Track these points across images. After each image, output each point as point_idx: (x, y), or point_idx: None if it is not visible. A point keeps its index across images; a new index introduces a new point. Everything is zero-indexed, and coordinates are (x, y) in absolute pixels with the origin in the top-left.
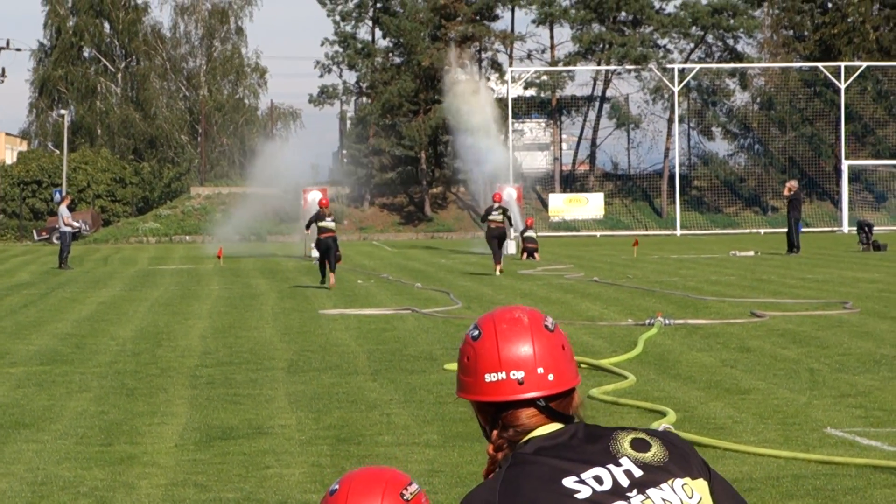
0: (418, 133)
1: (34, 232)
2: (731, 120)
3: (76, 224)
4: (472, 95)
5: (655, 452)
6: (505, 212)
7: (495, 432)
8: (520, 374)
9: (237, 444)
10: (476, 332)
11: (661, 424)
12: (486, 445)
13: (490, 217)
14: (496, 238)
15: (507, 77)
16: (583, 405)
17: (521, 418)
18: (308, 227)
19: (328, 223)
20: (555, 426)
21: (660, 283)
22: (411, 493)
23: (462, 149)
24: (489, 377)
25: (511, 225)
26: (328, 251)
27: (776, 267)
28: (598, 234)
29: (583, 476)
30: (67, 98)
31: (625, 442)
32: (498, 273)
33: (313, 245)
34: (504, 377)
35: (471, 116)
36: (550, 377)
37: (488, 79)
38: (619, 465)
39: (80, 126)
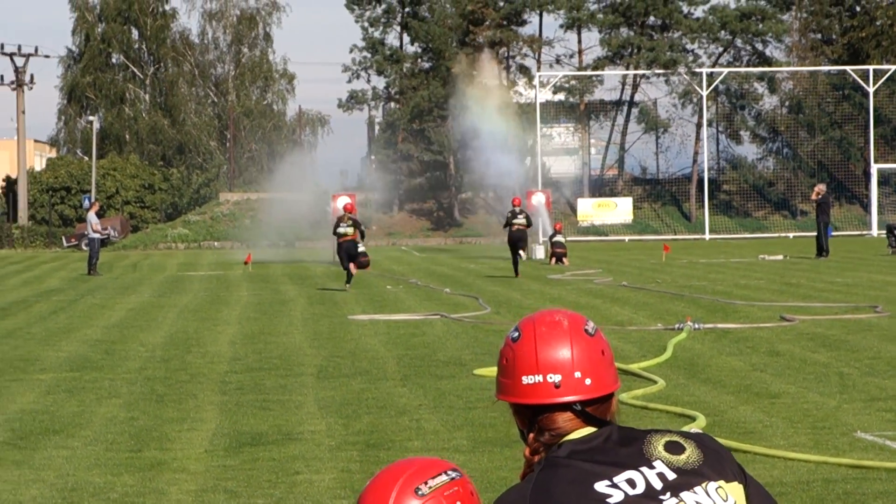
0: (447, 138)
1: (63, 238)
2: (760, 124)
3: (105, 231)
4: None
5: (689, 455)
6: (526, 215)
7: (531, 435)
8: (557, 378)
9: (267, 449)
10: (516, 334)
11: (690, 429)
12: (517, 450)
13: (514, 221)
14: (519, 241)
15: (536, 82)
16: (618, 410)
17: (558, 422)
18: (334, 232)
19: (343, 229)
20: (589, 430)
21: (689, 287)
22: (430, 488)
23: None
24: (526, 379)
25: (530, 225)
26: (348, 256)
27: (805, 271)
28: (627, 238)
29: (615, 480)
30: (96, 104)
31: (658, 445)
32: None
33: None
34: (541, 380)
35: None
36: (588, 382)
37: (516, 83)
38: (652, 468)
39: (108, 133)
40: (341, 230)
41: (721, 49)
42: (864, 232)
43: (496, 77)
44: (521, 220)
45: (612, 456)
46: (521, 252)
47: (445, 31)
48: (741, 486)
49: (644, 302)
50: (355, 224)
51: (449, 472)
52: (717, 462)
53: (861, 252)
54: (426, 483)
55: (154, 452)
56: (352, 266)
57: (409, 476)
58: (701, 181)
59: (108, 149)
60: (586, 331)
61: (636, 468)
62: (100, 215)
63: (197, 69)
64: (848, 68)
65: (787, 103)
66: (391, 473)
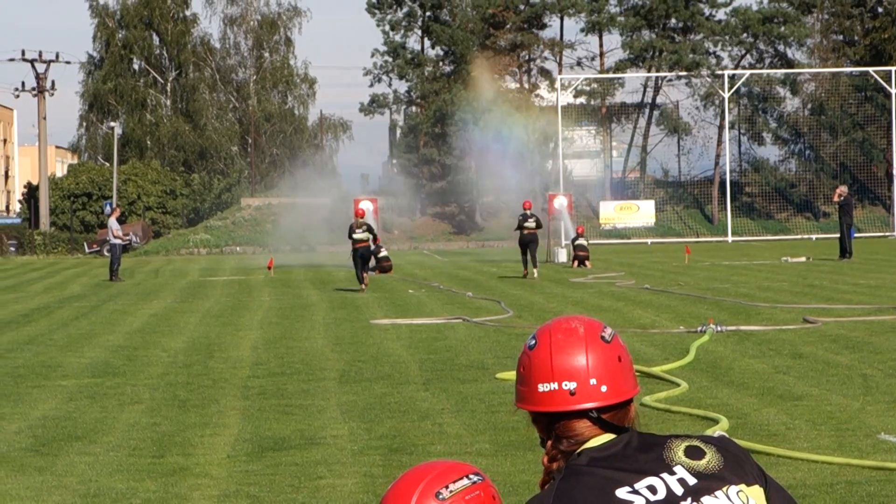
0: (468, 142)
1: (85, 244)
2: (782, 126)
3: (126, 236)
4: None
5: (710, 460)
6: (536, 219)
7: (549, 443)
8: (572, 385)
9: (289, 454)
10: (533, 342)
11: (715, 432)
12: (539, 455)
13: (525, 225)
14: (530, 243)
15: (557, 85)
16: (638, 415)
17: (575, 429)
18: (350, 237)
19: (359, 234)
20: (608, 437)
21: (711, 289)
22: (451, 492)
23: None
24: (542, 387)
25: (540, 227)
26: (362, 261)
27: (828, 272)
28: (650, 241)
29: (636, 486)
30: (117, 110)
31: (679, 450)
32: (535, 276)
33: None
34: (556, 387)
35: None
36: (604, 388)
37: (537, 87)
38: (673, 473)
39: (129, 138)
40: (357, 236)
41: (743, 51)
42: (888, 233)
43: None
44: (531, 223)
45: (633, 462)
46: (533, 264)
47: (467, 34)
48: (762, 490)
49: (666, 305)
50: (370, 229)
51: (471, 476)
52: (737, 466)
53: (884, 253)
54: (447, 487)
55: (176, 458)
56: (365, 276)
57: (431, 480)
58: (723, 183)
59: (130, 155)
60: (602, 337)
61: (657, 474)
62: (121, 221)
63: (218, 74)
64: (870, 69)
65: (809, 105)
66: (412, 477)
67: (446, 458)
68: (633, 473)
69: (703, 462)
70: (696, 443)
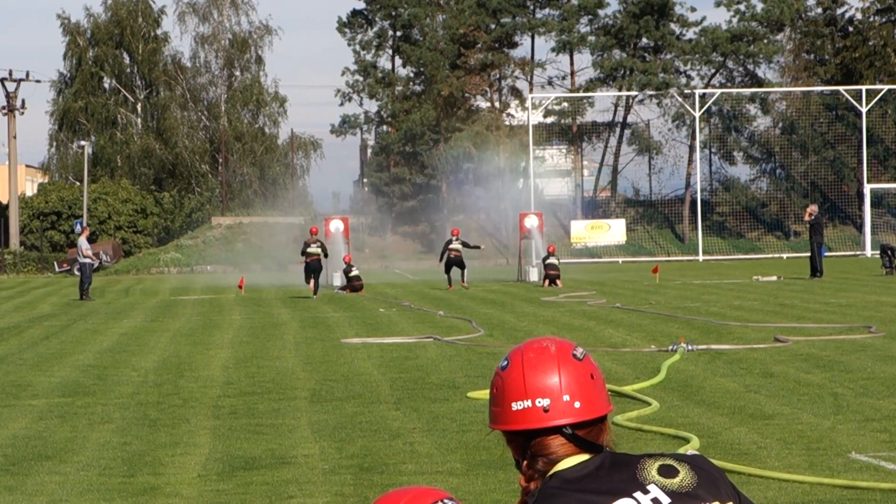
0: (439, 161)
1: (55, 264)
2: (753, 145)
3: (96, 255)
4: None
5: (683, 478)
6: (462, 241)
7: (525, 463)
8: (545, 402)
9: (260, 473)
10: (505, 363)
11: (686, 451)
12: (512, 472)
13: (450, 247)
14: (455, 265)
15: (528, 104)
16: (612, 434)
17: (550, 447)
18: (303, 253)
19: (313, 249)
20: (583, 457)
21: (682, 308)
22: None
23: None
24: (515, 405)
25: (470, 247)
26: (315, 272)
27: (799, 291)
28: (621, 260)
29: None
30: (88, 129)
31: (652, 469)
32: (463, 287)
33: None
34: (530, 405)
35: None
36: (577, 405)
37: (508, 105)
38: (646, 492)
39: (100, 157)
40: (310, 250)
41: (713, 70)
42: (858, 252)
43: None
44: (454, 245)
45: (606, 483)
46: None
47: (437, 55)
48: None
49: (638, 324)
50: (322, 246)
51: (444, 501)
52: (711, 484)
53: (855, 272)
54: None
55: (147, 477)
56: (313, 286)
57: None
58: (694, 202)
59: (100, 173)
60: (574, 355)
61: (630, 494)
62: (91, 240)
63: (189, 93)
64: (841, 88)
65: (780, 124)
66: (388, 500)
67: (417, 483)
68: (606, 495)
69: (677, 480)
70: (669, 461)
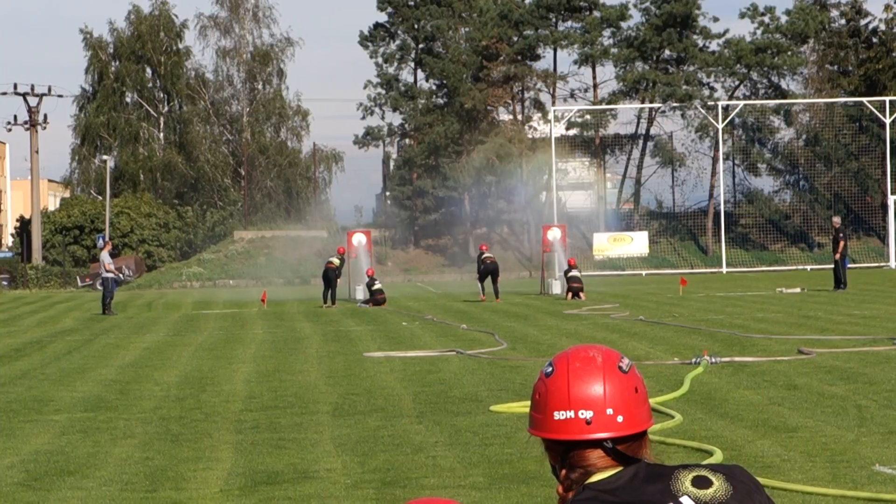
0: (462, 174)
1: (78, 278)
2: (776, 156)
3: (118, 269)
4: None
5: (717, 489)
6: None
7: (563, 472)
8: (588, 414)
9: (282, 488)
10: (549, 369)
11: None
12: (534, 487)
13: (484, 256)
14: (490, 273)
15: (550, 116)
16: (651, 447)
17: (589, 459)
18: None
19: (333, 258)
20: (616, 469)
21: (706, 321)
22: None
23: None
24: (558, 415)
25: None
26: (327, 282)
27: (823, 303)
28: (644, 272)
29: None
30: (110, 143)
31: (686, 480)
32: (497, 301)
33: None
34: (572, 416)
35: None
36: (620, 419)
37: (531, 118)
38: None
39: (122, 171)
40: (332, 259)
41: (737, 82)
42: (882, 264)
43: (511, 112)
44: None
45: (638, 494)
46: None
47: (460, 67)
48: None
49: (661, 336)
50: (342, 260)
51: None
52: (745, 495)
53: (879, 284)
54: None
55: (169, 492)
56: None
57: None
58: (717, 215)
59: (123, 188)
60: (620, 367)
61: None
62: (114, 255)
63: (211, 107)
64: (864, 100)
65: (803, 135)
66: None
67: (438, 493)
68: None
69: (710, 491)
70: (703, 472)
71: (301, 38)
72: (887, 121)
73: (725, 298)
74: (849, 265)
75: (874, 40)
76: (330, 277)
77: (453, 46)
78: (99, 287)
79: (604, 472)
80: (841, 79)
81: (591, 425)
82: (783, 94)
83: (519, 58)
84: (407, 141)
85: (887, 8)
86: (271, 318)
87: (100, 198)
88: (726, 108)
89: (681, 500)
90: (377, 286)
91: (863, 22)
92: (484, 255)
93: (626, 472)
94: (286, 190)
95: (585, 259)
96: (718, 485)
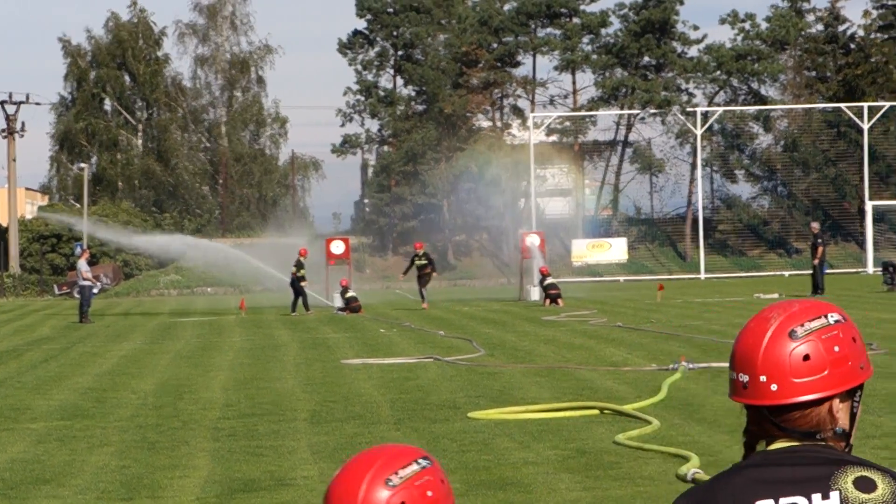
0: (441, 181)
1: (55, 286)
2: (755, 162)
3: (95, 278)
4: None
5: (876, 496)
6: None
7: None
8: (744, 378)
9: (259, 496)
10: (757, 326)
11: (689, 469)
12: (510, 493)
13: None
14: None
15: (529, 123)
16: (832, 421)
17: (753, 423)
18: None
19: (293, 267)
20: (791, 443)
21: (684, 327)
22: (400, 478)
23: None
24: (730, 373)
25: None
26: (296, 291)
27: None
28: (622, 278)
29: (781, 501)
30: (88, 151)
31: (849, 476)
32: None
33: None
34: (734, 377)
35: None
36: (774, 387)
37: (510, 125)
38: (826, 497)
39: (101, 178)
40: (293, 267)
41: (716, 88)
42: (860, 269)
43: (490, 119)
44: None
45: (791, 474)
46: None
47: (439, 73)
48: None
49: (639, 342)
50: (300, 263)
51: (420, 461)
52: None
53: (856, 289)
54: (397, 473)
55: (145, 500)
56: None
57: (379, 467)
58: (696, 221)
59: (101, 195)
60: (792, 332)
61: (807, 494)
62: (91, 263)
63: (189, 114)
64: (843, 105)
65: (782, 141)
66: (360, 464)
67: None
68: (785, 485)
69: (866, 496)
70: (873, 475)
71: (280, 46)
72: (865, 126)
73: (703, 304)
74: (827, 271)
75: (852, 46)
76: (295, 287)
77: (432, 53)
78: (76, 295)
79: (777, 444)
80: (819, 84)
81: (747, 390)
82: (762, 101)
83: (498, 64)
84: (385, 148)
85: (865, 14)
86: (249, 326)
87: (77, 205)
88: (705, 115)
89: (830, 494)
90: (350, 294)
91: (841, 28)
92: (418, 260)
93: (795, 448)
94: (263, 197)
95: (564, 266)
96: (883, 490)
